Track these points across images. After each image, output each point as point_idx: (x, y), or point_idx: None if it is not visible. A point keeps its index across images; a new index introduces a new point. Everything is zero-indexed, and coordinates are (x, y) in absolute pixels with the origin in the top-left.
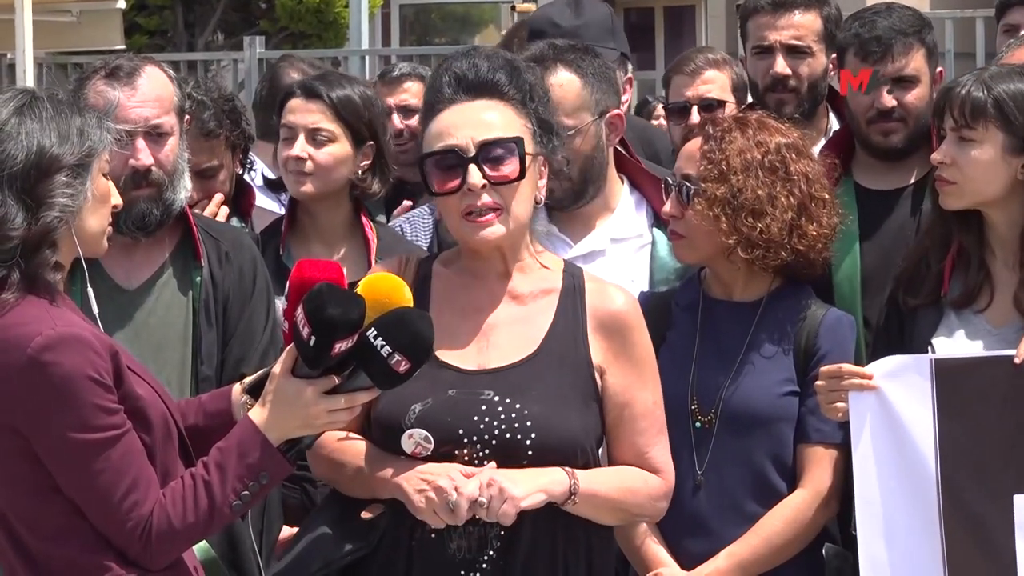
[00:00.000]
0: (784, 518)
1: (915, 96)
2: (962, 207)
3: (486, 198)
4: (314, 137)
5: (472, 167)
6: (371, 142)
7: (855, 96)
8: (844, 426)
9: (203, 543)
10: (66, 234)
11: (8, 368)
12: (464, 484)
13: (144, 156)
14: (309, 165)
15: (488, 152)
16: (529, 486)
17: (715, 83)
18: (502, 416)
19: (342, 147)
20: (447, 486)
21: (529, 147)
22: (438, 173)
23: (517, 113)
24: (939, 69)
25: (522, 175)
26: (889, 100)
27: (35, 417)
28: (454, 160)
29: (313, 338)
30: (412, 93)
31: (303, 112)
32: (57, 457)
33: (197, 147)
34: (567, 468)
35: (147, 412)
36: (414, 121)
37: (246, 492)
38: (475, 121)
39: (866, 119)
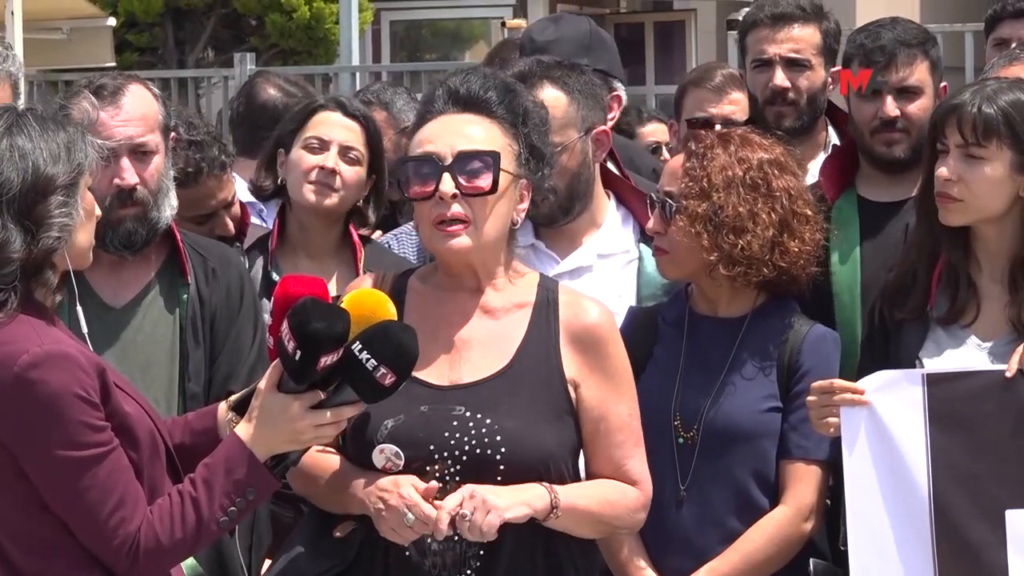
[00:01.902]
0: (765, 534)
1: (918, 107)
2: (964, 223)
3: (456, 208)
4: (346, 154)
5: (446, 175)
6: (374, 174)
7: (859, 106)
8: (826, 442)
9: (191, 560)
10: (63, 253)
11: None
12: (417, 500)
13: (129, 175)
14: (338, 180)
15: (464, 163)
16: (512, 499)
17: (739, 105)
18: (473, 432)
19: (364, 170)
20: (399, 505)
21: (509, 165)
22: (414, 178)
23: (503, 132)
24: (943, 84)
25: (494, 189)
26: (893, 109)
27: (22, 434)
28: (430, 167)
29: (299, 352)
30: None
31: (339, 127)
32: (44, 474)
33: (217, 185)
34: (545, 483)
35: (134, 429)
36: None
37: (233, 508)
38: (457, 132)
39: (870, 129)
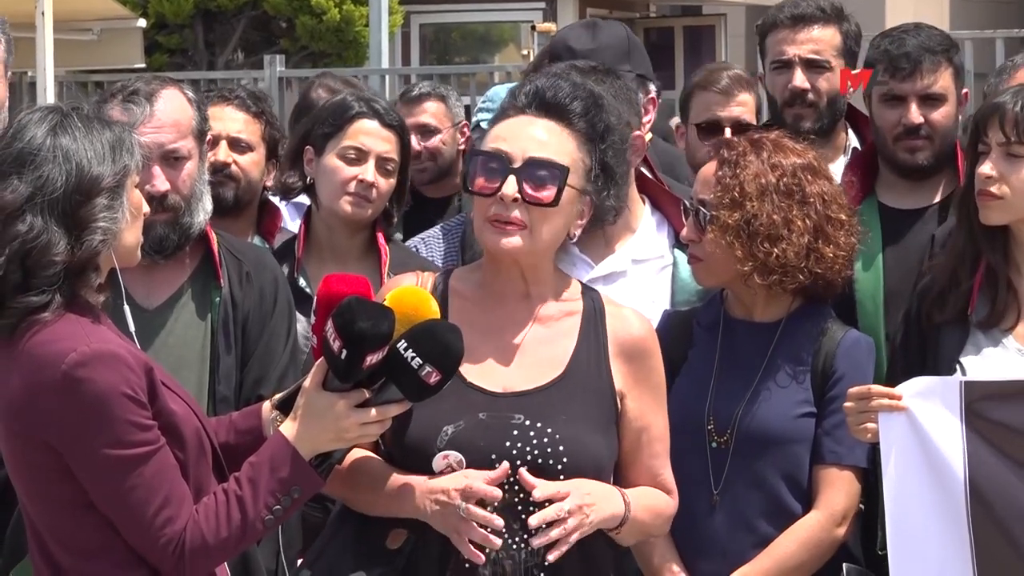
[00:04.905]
0: (798, 540)
1: (942, 114)
2: (1004, 222)
3: (515, 213)
4: (384, 166)
5: (512, 178)
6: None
7: (882, 113)
8: (859, 448)
9: None
10: (108, 254)
11: (43, 384)
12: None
13: (160, 182)
14: (375, 192)
15: (532, 170)
16: (602, 511)
17: (747, 106)
18: (534, 441)
19: (395, 179)
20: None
21: (576, 181)
22: (481, 172)
23: (578, 146)
24: (964, 90)
25: (555, 203)
26: (917, 116)
27: (69, 433)
28: (498, 165)
29: (344, 351)
30: (431, 113)
31: (378, 138)
32: (91, 473)
33: (233, 116)
34: (623, 492)
35: (181, 428)
36: (433, 141)
37: (278, 507)
38: (532, 137)
39: (893, 136)
